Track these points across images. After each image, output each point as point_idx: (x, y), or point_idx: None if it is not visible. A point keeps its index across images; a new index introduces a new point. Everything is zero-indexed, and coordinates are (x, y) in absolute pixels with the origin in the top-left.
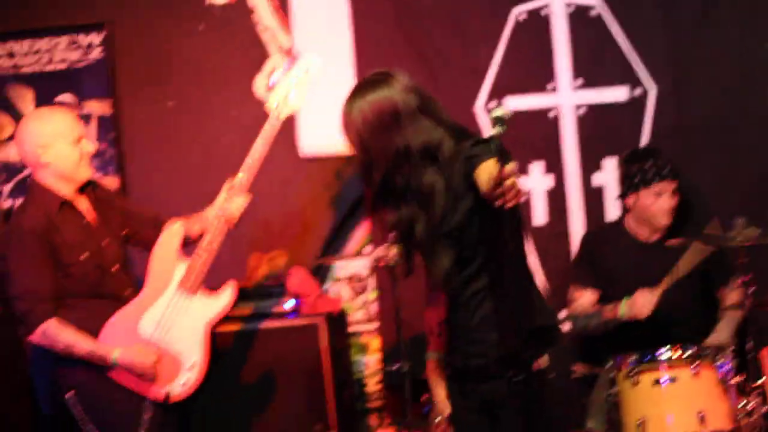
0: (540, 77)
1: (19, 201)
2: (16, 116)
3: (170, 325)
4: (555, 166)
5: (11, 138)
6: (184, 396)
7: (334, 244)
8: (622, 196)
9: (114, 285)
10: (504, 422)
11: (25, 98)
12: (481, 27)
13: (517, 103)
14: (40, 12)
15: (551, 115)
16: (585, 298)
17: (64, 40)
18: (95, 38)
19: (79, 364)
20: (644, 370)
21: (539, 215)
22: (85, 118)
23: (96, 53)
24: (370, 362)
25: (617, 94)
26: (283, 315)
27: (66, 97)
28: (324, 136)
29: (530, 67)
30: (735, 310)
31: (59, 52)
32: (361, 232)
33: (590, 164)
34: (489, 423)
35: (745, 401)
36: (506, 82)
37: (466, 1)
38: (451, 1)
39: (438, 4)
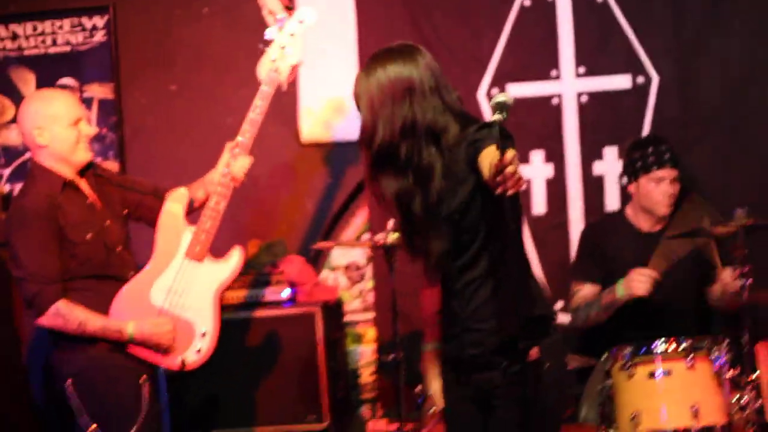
0: (543, 64)
1: (18, 185)
2: (18, 99)
3: (181, 293)
4: (555, 155)
5: (12, 121)
6: (199, 363)
7: (333, 232)
8: (626, 184)
9: (118, 266)
10: (499, 412)
11: (27, 81)
12: (486, 12)
13: (519, 90)
14: None
15: (553, 102)
16: (586, 291)
17: (67, 23)
18: (99, 21)
19: (77, 353)
20: (639, 363)
21: (539, 204)
22: (87, 102)
23: (99, 36)
24: (365, 352)
25: (620, 82)
26: (279, 303)
27: (67, 80)
28: (325, 122)
29: (534, 54)
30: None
31: (62, 35)
32: (359, 219)
33: (591, 153)
34: (483, 413)
35: (739, 395)
36: (509, 69)
37: None
38: None
39: None
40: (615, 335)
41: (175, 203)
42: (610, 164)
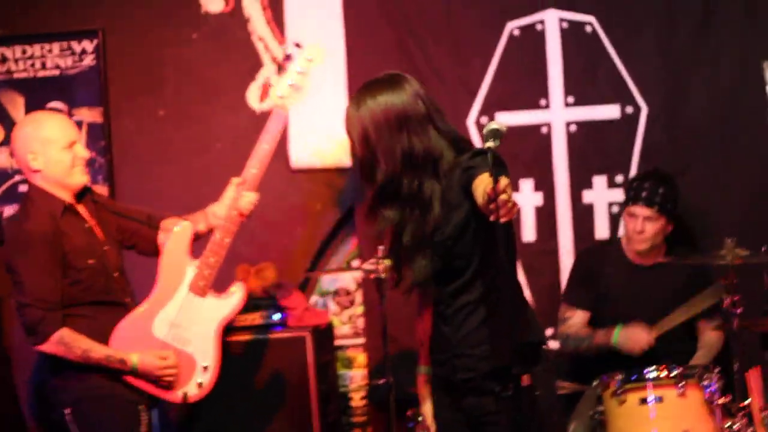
0: (532, 93)
1: (8, 208)
2: (7, 122)
3: (183, 327)
4: (545, 183)
5: (2, 144)
6: (200, 397)
7: (322, 257)
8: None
9: (116, 292)
10: None
11: (16, 104)
12: (475, 41)
13: (508, 119)
14: (33, 18)
15: (542, 131)
16: (576, 318)
17: (56, 47)
18: (88, 45)
19: (76, 381)
20: (631, 389)
21: (528, 232)
22: (76, 126)
23: (89, 60)
24: (355, 377)
25: (609, 111)
26: (269, 327)
27: (57, 104)
28: (315, 148)
29: (523, 82)
30: (711, 345)
31: (52, 59)
32: (349, 245)
33: (580, 181)
34: None
35: (730, 422)
36: (498, 98)
37: (461, 15)
38: (445, 15)
39: (432, 17)
40: (604, 362)
41: (179, 236)
42: (599, 193)
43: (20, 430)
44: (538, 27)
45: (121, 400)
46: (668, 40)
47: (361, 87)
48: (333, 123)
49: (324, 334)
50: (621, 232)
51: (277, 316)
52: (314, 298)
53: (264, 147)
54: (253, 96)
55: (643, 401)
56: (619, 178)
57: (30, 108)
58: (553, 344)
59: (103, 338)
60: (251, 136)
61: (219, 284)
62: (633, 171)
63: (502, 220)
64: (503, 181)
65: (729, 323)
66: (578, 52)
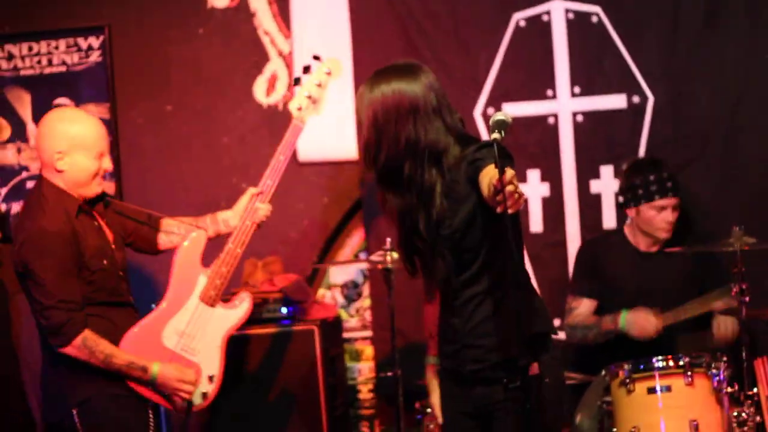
0: (539, 84)
1: (14, 205)
2: (14, 119)
3: (192, 337)
4: (552, 174)
5: (8, 141)
6: (204, 407)
7: (330, 250)
8: (624, 206)
9: (124, 291)
10: (499, 427)
11: (23, 101)
12: (482, 32)
13: (515, 109)
14: (39, 14)
15: (549, 122)
16: (583, 308)
17: (63, 43)
18: (94, 41)
19: (85, 382)
20: (639, 379)
21: (535, 222)
22: None
23: (95, 56)
24: (363, 369)
25: (616, 101)
26: (277, 321)
27: (63, 100)
28: (322, 141)
29: (529, 73)
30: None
31: (58, 55)
32: (356, 238)
33: (588, 171)
34: (482, 428)
35: (738, 411)
36: (505, 89)
37: (467, 6)
38: (451, 6)
39: (438, 9)
40: (612, 352)
41: (194, 243)
42: (606, 182)
43: (29, 428)
44: (544, 18)
45: (128, 401)
46: (674, 29)
47: (377, 71)
48: (340, 116)
49: (332, 326)
50: (628, 222)
51: (284, 310)
52: (322, 291)
53: (280, 158)
54: (259, 90)
55: (651, 390)
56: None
57: (37, 105)
58: (561, 335)
59: (116, 339)
60: (258, 130)
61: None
62: None
63: (510, 211)
64: (509, 172)
65: (737, 311)
66: (584, 43)
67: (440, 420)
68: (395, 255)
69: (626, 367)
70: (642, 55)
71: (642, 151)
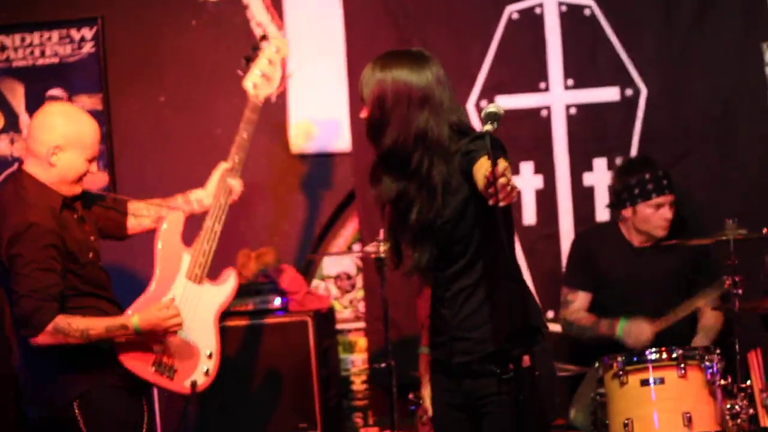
0: (532, 76)
1: None
2: (6, 110)
3: (185, 315)
4: (545, 166)
5: (2, 132)
6: (207, 384)
7: (323, 241)
8: (618, 206)
9: (104, 281)
10: (490, 420)
11: (15, 92)
12: (474, 24)
13: (508, 102)
14: (33, 6)
15: (542, 114)
16: (579, 302)
17: (56, 35)
18: (87, 33)
19: (83, 375)
20: (632, 371)
21: (529, 215)
22: None
23: (88, 48)
24: (356, 361)
25: (609, 94)
26: (271, 312)
27: (56, 91)
28: (315, 132)
29: (522, 66)
30: (713, 319)
31: (51, 46)
32: (350, 229)
33: (581, 164)
34: (473, 420)
35: (731, 403)
36: (498, 81)
37: None
38: None
39: (431, 2)
40: (604, 344)
41: (173, 224)
42: (599, 175)
43: (20, 423)
44: (537, 10)
45: (125, 391)
46: (668, 22)
47: (390, 52)
48: (333, 107)
49: (325, 318)
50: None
51: (278, 301)
52: (315, 282)
53: (243, 136)
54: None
55: (645, 383)
56: (619, 161)
57: (30, 96)
58: (554, 327)
59: None
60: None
61: (219, 269)
62: (633, 153)
63: (502, 203)
64: (502, 164)
65: (730, 304)
66: (577, 35)
67: (430, 412)
68: (387, 246)
69: (619, 359)
70: (635, 47)
71: (635, 144)
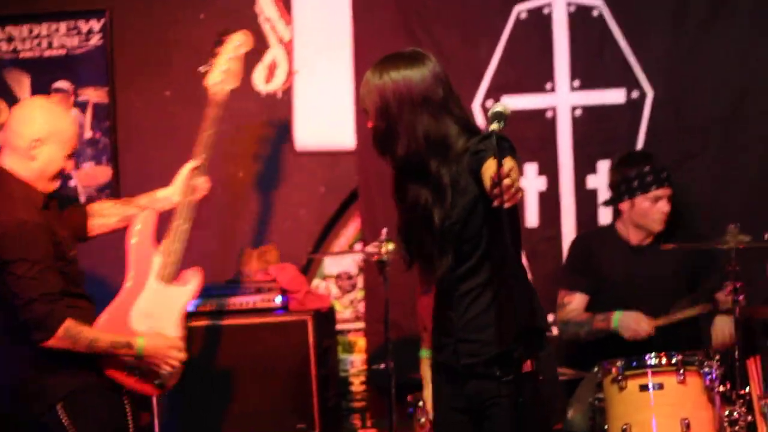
0: (538, 77)
1: None
2: (13, 101)
3: (156, 317)
4: (549, 168)
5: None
6: (173, 385)
7: (325, 240)
8: (616, 200)
9: (82, 278)
10: (491, 423)
11: (22, 83)
12: (482, 24)
13: (514, 102)
14: None
15: (548, 115)
16: (575, 303)
17: (63, 26)
18: (95, 25)
19: (67, 377)
20: (631, 376)
21: (531, 217)
22: (81, 106)
23: (95, 40)
24: (356, 361)
25: (615, 96)
26: (271, 310)
27: (62, 83)
28: (320, 130)
29: (529, 66)
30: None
31: (58, 38)
32: (352, 229)
33: (585, 166)
34: (475, 423)
35: (730, 410)
36: (504, 81)
37: None
38: None
39: (440, 0)
40: (603, 348)
41: (144, 224)
42: (603, 178)
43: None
44: (546, 10)
45: (107, 390)
46: (676, 25)
47: (384, 57)
48: (339, 106)
49: (325, 317)
50: (619, 218)
51: (278, 300)
52: (316, 282)
53: (209, 133)
54: (259, 77)
55: (643, 388)
56: None
57: (36, 87)
58: (554, 330)
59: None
60: (257, 116)
61: (221, 267)
62: None
63: (506, 205)
64: (507, 164)
65: (731, 310)
66: (585, 36)
67: (431, 415)
68: (390, 246)
69: (619, 364)
70: (642, 50)
71: (640, 146)
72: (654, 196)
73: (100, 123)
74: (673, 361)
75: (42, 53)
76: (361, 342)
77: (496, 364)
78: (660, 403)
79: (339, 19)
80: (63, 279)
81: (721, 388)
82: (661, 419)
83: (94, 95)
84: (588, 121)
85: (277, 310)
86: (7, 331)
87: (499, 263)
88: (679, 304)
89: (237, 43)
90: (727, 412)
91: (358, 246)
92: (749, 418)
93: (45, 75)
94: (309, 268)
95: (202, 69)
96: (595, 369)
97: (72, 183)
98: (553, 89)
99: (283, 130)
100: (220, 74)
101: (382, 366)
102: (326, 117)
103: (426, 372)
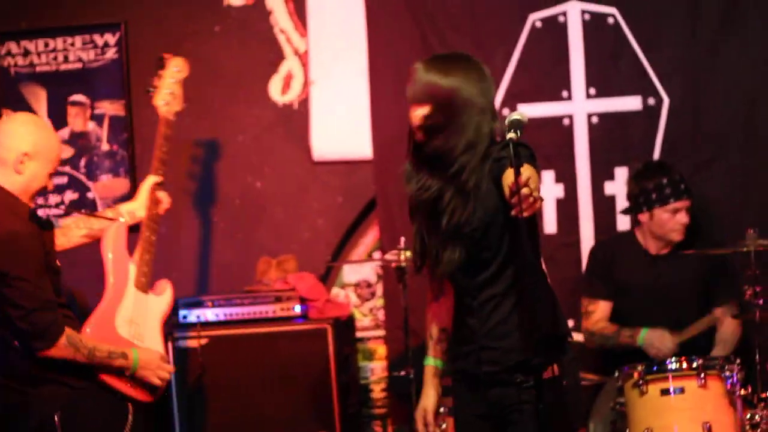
0: (554, 85)
1: None
2: None
3: (138, 324)
4: (566, 175)
5: None
6: (163, 391)
7: (343, 249)
8: (635, 210)
9: (64, 289)
10: (516, 429)
11: (38, 97)
12: (497, 32)
13: (530, 110)
14: (56, 11)
15: (564, 123)
16: (600, 312)
17: (79, 40)
18: (110, 38)
19: (62, 387)
20: (652, 380)
21: (549, 224)
22: (98, 119)
23: (111, 53)
24: (376, 369)
25: (631, 103)
26: (290, 319)
27: (79, 97)
28: (337, 140)
29: (545, 74)
30: (731, 330)
31: (74, 52)
32: (370, 237)
33: (602, 173)
34: (495, 430)
35: (751, 413)
36: (520, 89)
37: (483, 6)
38: (468, 7)
39: (455, 9)
40: (624, 354)
41: (118, 234)
42: (621, 184)
43: None
44: (561, 19)
45: (108, 397)
46: (691, 31)
47: (447, 55)
48: (355, 115)
49: (345, 325)
50: (638, 226)
51: (298, 308)
52: (335, 290)
53: (162, 150)
54: (275, 88)
55: (665, 392)
56: None
57: (52, 102)
58: (577, 336)
59: None
60: (273, 128)
61: (239, 277)
62: None
63: (525, 213)
64: (525, 173)
65: (751, 314)
66: (600, 44)
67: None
68: (409, 254)
69: (639, 368)
70: (658, 57)
71: (657, 153)
72: (673, 208)
73: (117, 136)
74: (694, 365)
75: (58, 67)
76: (381, 349)
77: (518, 371)
78: (681, 407)
79: (353, 29)
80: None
81: (743, 392)
82: (683, 423)
83: (110, 108)
84: (604, 129)
85: (296, 319)
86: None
87: (520, 271)
88: (697, 315)
89: (175, 68)
90: (748, 416)
91: (376, 254)
92: None
93: (61, 88)
94: (328, 277)
95: (149, 89)
96: (616, 374)
97: (90, 195)
98: (569, 97)
99: (300, 140)
100: (166, 96)
101: (403, 373)
102: (343, 127)
103: (429, 382)
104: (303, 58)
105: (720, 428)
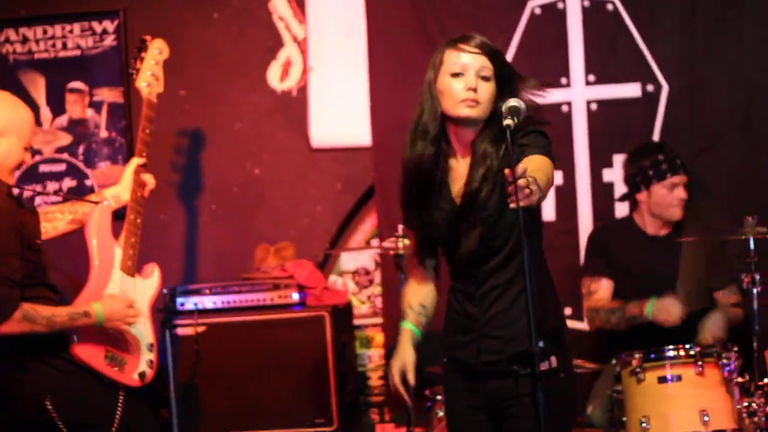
0: (553, 72)
1: (26, 188)
2: (27, 102)
3: None
4: (565, 162)
5: None
6: (153, 375)
7: (341, 236)
8: (632, 192)
9: (46, 268)
10: (512, 421)
11: (37, 84)
12: (497, 19)
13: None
14: None
15: (563, 110)
16: (602, 291)
17: (77, 27)
18: (109, 25)
19: (49, 370)
20: (649, 368)
21: (548, 211)
22: (97, 106)
23: (109, 40)
24: (373, 356)
25: (630, 90)
26: (288, 306)
27: (77, 84)
28: (335, 127)
29: (544, 61)
30: (727, 309)
31: (73, 39)
32: (368, 224)
33: (601, 160)
34: (494, 421)
35: (748, 401)
36: None
37: None
38: None
39: None
40: (621, 341)
41: (102, 216)
42: (619, 171)
43: None
44: (560, 5)
45: (96, 382)
46: (690, 18)
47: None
48: (354, 102)
49: (343, 313)
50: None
51: (295, 296)
52: (333, 278)
53: (146, 132)
54: (273, 76)
55: (662, 380)
56: None
57: (50, 88)
58: (572, 324)
59: None
60: (272, 115)
61: (238, 264)
62: None
63: (521, 204)
64: (521, 166)
65: (748, 301)
66: (599, 31)
67: (406, 381)
68: (407, 242)
69: (637, 356)
70: (657, 43)
71: (656, 140)
72: (670, 183)
73: (115, 123)
74: (692, 352)
75: (57, 54)
76: (378, 337)
77: (517, 361)
78: (678, 394)
79: (352, 16)
80: (30, 266)
81: (740, 380)
82: (680, 411)
83: (109, 95)
84: (603, 115)
85: (294, 306)
86: None
87: (524, 261)
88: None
89: (157, 50)
90: (746, 403)
91: (374, 242)
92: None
93: (60, 76)
94: (326, 264)
95: (131, 71)
96: (613, 361)
97: (88, 182)
98: (568, 84)
99: (299, 127)
100: (148, 77)
101: None
102: (341, 114)
103: (405, 339)
104: (302, 45)
105: (717, 416)
